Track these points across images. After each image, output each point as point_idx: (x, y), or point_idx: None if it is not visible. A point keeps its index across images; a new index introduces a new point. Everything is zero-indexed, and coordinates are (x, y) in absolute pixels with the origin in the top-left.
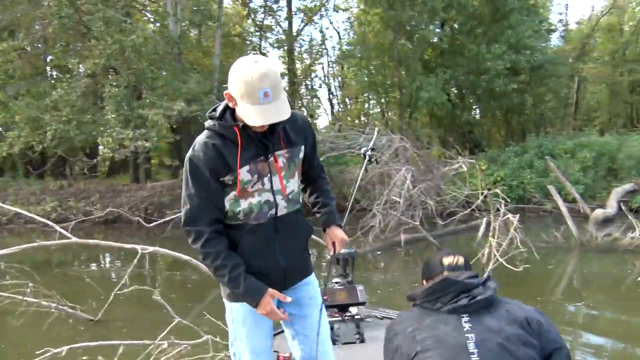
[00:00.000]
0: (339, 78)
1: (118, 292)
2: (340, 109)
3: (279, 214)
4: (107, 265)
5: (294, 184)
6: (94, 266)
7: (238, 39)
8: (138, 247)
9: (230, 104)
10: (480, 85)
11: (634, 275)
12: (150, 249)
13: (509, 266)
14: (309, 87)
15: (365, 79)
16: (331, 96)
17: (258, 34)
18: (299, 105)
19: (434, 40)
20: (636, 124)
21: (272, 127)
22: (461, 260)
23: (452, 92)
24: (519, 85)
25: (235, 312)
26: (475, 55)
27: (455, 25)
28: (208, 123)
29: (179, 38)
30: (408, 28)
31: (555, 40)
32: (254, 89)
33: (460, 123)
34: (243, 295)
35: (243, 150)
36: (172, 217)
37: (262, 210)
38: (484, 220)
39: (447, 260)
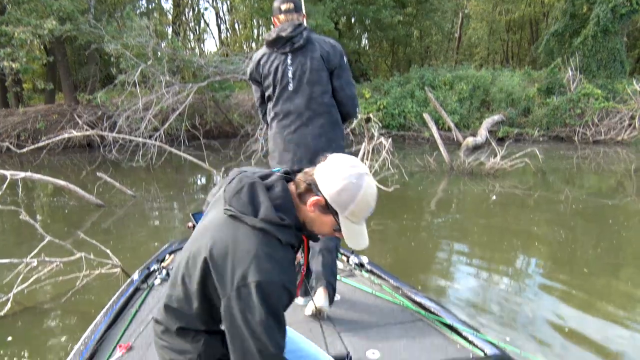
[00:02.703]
0: (227, 2)
1: None
2: (228, 34)
3: None
4: None
5: None
6: None
7: None
8: (7, 172)
9: (313, 211)
10: (368, 15)
11: (491, 194)
12: (22, 174)
13: (380, 186)
14: (195, 10)
15: (255, 4)
16: (219, 21)
17: None
18: (184, 29)
19: None
20: (509, 61)
21: None
22: (292, 5)
23: (341, 21)
24: (406, 17)
25: None
26: None
27: None
28: (281, 229)
29: None
30: None
31: None
32: (367, 212)
33: (348, 52)
34: None
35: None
36: (47, 142)
37: None
38: (363, 145)
39: (284, 7)
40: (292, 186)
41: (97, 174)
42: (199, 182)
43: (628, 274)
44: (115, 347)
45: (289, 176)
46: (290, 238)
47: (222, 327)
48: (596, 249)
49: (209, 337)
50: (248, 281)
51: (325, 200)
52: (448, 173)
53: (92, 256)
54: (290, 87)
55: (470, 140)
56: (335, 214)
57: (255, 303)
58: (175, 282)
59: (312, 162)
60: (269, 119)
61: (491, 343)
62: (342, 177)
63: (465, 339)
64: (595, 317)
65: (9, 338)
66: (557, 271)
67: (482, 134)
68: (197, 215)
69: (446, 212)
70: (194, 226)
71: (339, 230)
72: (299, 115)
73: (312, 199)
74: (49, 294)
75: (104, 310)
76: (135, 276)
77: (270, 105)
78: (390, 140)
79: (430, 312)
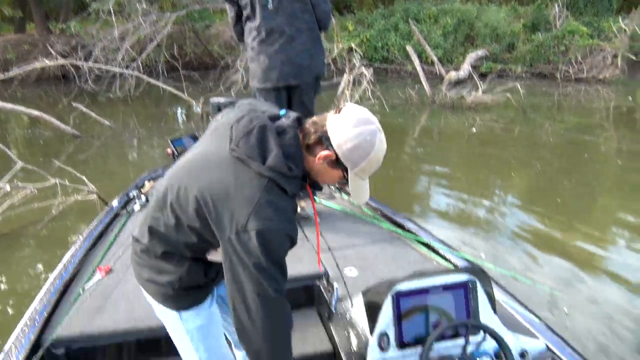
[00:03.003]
0: None
1: None
2: None
3: None
4: None
5: None
6: None
7: None
8: None
9: (322, 162)
10: None
11: (472, 127)
12: None
13: None
14: None
15: None
16: None
17: None
18: None
19: None
20: None
21: None
22: None
23: None
24: None
25: (192, 323)
26: None
27: None
28: (287, 179)
29: None
30: None
31: None
32: (376, 168)
33: None
34: None
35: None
36: (19, 71)
37: None
38: (344, 76)
39: None
40: (299, 134)
41: (73, 104)
42: (178, 113)
43: (600, 202)
44: (95, 269)
45: (296, 122)
46: (295, 189)
47: (209, 257)
48: (571, 180)
49: (193, 263)
50: (248, 228)
51: (336, 156)
52: (429, 106)
53: (67, 182)
54: (270, 6)
55: (452, 75)
56: (344, 169)
57: (255, 249)
58: (164, 207)
59: (297, 77)
60: (249, 40)
61: (467, 260)
62: (356, 134)
63: (442, 256)
64: (569, 238)
65: None
66: (533, 199)
67: (465, 68)
68: (177, 142)
69: (426, 142)
70: (173, 153)
71: (345, 183)
72: (281, 33)
73: (323, 153)
74: (24, 220)
75: (84, 235)
76: (115, 203)
77: (250, 24)
78: (371, 70)
79: (408, 231)
